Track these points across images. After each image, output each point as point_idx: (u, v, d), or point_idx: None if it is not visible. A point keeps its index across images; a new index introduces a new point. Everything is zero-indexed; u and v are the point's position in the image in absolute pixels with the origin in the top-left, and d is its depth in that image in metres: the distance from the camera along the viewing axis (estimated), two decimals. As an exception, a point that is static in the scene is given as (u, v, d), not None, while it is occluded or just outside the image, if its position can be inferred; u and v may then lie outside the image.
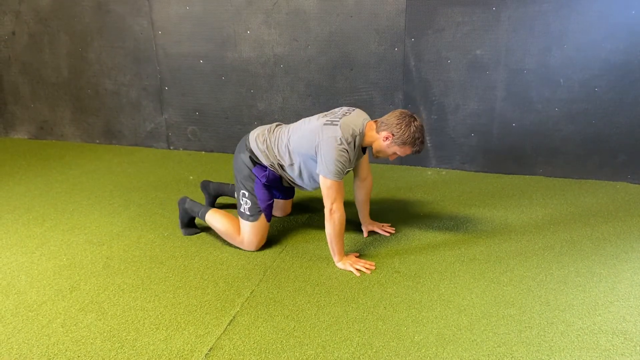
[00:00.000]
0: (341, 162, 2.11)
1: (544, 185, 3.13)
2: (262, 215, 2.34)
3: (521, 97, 3.13)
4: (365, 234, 2.53)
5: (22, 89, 4.09)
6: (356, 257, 2.31)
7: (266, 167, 2.33)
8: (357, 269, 2.21)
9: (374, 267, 2.24)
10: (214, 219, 2.42)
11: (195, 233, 2.56)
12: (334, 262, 2.27)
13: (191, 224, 2.59)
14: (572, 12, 2.90)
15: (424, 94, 3.27)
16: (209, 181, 2.81)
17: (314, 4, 3.25)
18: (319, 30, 3.31)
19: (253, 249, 2.37)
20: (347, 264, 2.23)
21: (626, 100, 2.98)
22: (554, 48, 2.99)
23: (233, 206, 2.85)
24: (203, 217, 2.45)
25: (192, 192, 3.09)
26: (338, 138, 2.10)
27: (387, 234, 2.53)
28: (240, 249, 2.40)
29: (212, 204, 2.82)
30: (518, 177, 3.26)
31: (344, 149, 2.10)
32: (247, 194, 2.33)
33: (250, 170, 2.33)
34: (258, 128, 2.41)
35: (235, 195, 2.40)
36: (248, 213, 2.33)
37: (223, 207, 2.85)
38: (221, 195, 2.80)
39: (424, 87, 3.26)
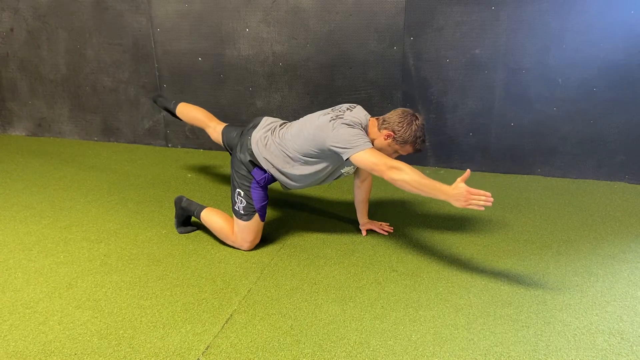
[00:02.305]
0: (361, 133, 2.08)
1: (542, 184, 3.13)
2: (256, 215, 2.33)
3: (520, 96, 3.13)
4: (363, 233, 2.53)
5: (20, 86, 4.08)
6: (462, 183, 1.90)
7: (265, 170, 2.31)
8: (476, 205, 1.87)
9: (492, 199, 1.89)
10: (210, 217, 2.41)
11: (191, 231, 2.56)
12: (331, 261, 2.27)
13: (187, 223, 2.59)
14: (571, 11, 2.90)
15: (423, 93, 3.27)
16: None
17: (313, 2, 3.25)
18: (318, 29, 3.30)
19: (246, 247, 2.36)
20: (461, 202, 1.88)
21: (624, 100, 2.98)
22: (553, 48, 2.99)
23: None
24: (198, 216, 2.45)
25: (190, 190, 3.08)
26: (348, 124, 2.09)
27: (385, 233, 2.53)
28: (235, 248, 2.39)
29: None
30: (516, 176, 3.26)
31: (357, 128, 2.09)
32: (242, 193, 2.32)
33: (249, 172, 2.31)
34: (260, 128, 2.37)
35: (231, 192, 2.40)
36: (242, 212, 2.32)
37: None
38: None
39: (422, 86, 3.26)
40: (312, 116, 2.28)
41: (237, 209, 2.33)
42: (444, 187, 1.91)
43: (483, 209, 1.88)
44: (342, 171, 2.28)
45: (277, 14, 3.34)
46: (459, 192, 1.88)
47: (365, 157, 2.01)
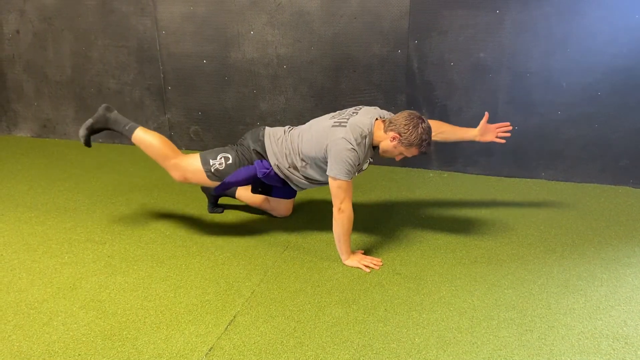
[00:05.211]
0: (350, 163, 2.12)
1: (546, 188, 3.13)
2: (219, 183, 2.36)
3: (524, 100, 3.13)
4: (484, 139, 2.47)
5: (26, 87, 4.10)
6: (362, 254, 2.32)
7: (270, 166, 2.33)
8: (365, 266, 2.23)
9: (381, 263, 2.27)
10: (147, 134, 2.41)
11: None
12: (334, 263, 2.28)
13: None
14: (575, 16, 2.90)
15: (427, 97, 3.27)
16: None
17: (317, 5, 3.25)
18: (322, 32, 3.31)
19: (177, 180, 2.38)
20: (355, 262, 2.25)
21: (629, 104, 2.97)
22: (557, 52, 2.99)
23: (235, 207, 2.86)
24: (131, 133, 2.41)
25: (192, 191, 3.08)
26: (347, 139, 2.12)
27: (503, 141, 2.49)
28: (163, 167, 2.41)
29: (215, 204, 2.81)
30: (520, 180, 3.26)
31: (353, 149, 2.12)
32: (230, 160, 2.35)
33: (251, 161, 2.36)
34: (273, 128, 2.43)
35: (214, 149, 2.42)
36: (211, 170, 2.34)
37: (226, 207, 2.86)
38: (223, 195, 2.81)
39: (426, 90, 3.26)
40: (319, 119, 2.34)
41: (211, 162, 2.35)
42: (349, 251, 2.28)
43: (369, 270, 2.21)
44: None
45: (281, 16, 3.35)
46: (355, 256, 2.27)
47: (337, 185, 2.16)
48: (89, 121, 2.43)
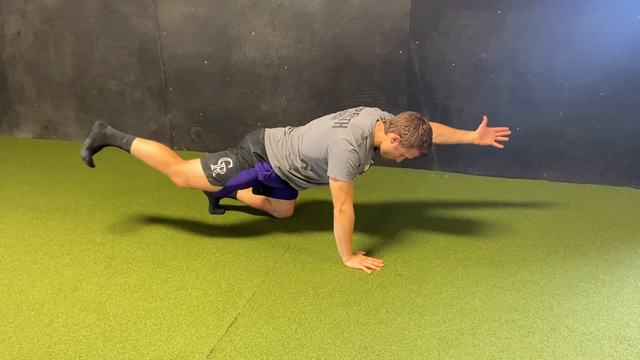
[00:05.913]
0: (351, 164, 2.12)
1: (548, 189, 3.12)
2: (220, 188, 2.39)
3: (526, 100, 3.12)
4: (483, 143, 2.48)
5: (27, 88, 4.10)
6: (363, 255, 2.32)
7: (271, 168, 2.33)
8: (366, 267, 2.22)
9: (382, 265, 2.26)
10: (145, 144, 2.44)
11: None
12: (336, 265, 2.27)
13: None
14: (577, 16, 2.89)
15: (428, 97, 3.27)
16: None
17: (318, 6, 3.25)
18: (323, 32, 3.31)
19: (182, 186, 2.42)
20: (356, 263, 2.25)
21: (631, 105, 2.97)
22: (559, 52, 2.98)
23: (236, 208, 2.86)
24: (129, 145, 2.43)
25: (194, 192, 3.08)
26: (347, 140, 2.12)
27: (501, 146, 2.51)
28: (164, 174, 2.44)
29: (216, 205, 2.81)
30: (521, 181, 3.25)
31: (354, 149, 2.12)
32: (231, 164, 2.35)
33: (252, 163, 2.36)
34: (270, 129, 2.43)
35: (215, 153, 2.42)
36: (213, 175, 2.35)
37: (227, 208, 2.85)
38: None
39: (428, 90, 3.25)
40: (320, 120, 2.33)
41: (212, 168, 2.36)
42: (351, 252, 2.26)
43: (370, 272, 2.20)
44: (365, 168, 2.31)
45: (282, 17, 3.34)
46: (356, 258, 2.26)
47: (338, 186, 2.16)
48: (87, 141, 2.45)
